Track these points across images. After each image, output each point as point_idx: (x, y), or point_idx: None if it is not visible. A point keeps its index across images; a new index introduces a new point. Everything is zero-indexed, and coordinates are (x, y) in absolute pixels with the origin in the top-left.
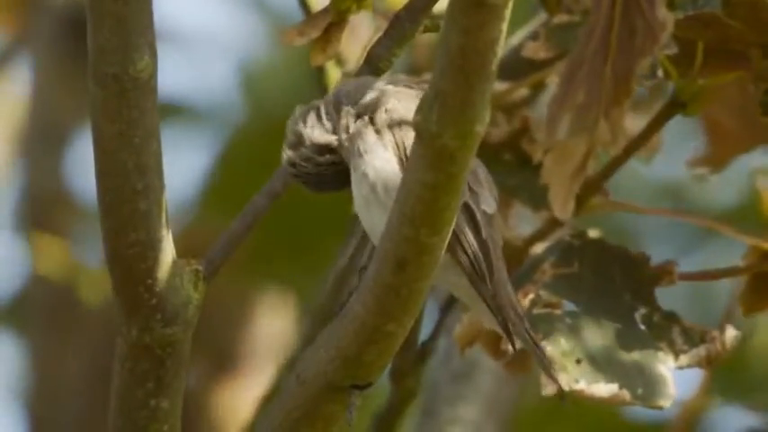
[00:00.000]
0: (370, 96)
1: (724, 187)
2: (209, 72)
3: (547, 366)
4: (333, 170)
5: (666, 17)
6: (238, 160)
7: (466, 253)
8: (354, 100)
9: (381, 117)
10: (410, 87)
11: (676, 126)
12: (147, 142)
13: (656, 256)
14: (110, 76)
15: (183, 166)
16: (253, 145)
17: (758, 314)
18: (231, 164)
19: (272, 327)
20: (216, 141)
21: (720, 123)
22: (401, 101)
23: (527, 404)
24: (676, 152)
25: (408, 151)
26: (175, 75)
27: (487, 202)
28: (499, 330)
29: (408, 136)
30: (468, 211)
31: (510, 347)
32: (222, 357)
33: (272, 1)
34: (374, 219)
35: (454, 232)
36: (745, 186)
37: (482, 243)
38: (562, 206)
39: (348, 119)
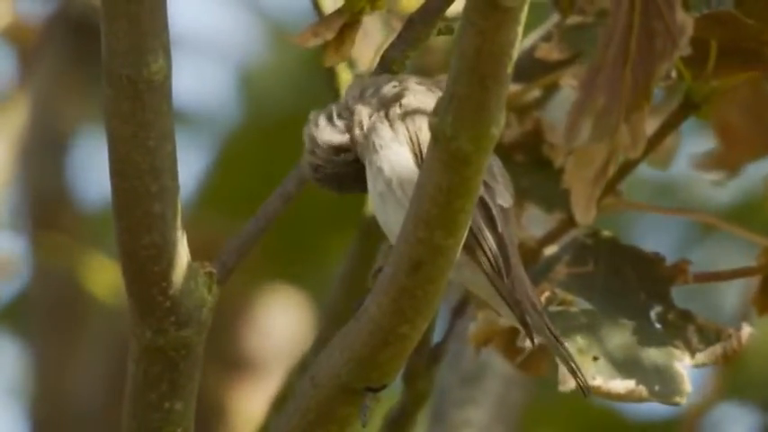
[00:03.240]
0: (386, 91)
1: (731, 188)
2: (207, 75)
3: (569, 360)
4: (353, 168)
5: (685, 20)
6: (236, 163)
7: (483, 250)
8: (369, 95)
9: (396, 111)
10: (427, 86)
11: (683, 126)
12: (161, 144)
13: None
14: (124, 78)
15: (182, 168)
16: (250, 148)
17: None
18: (229, 167)
19: (285, 328)
20: (213, 144)
21: (734, 128)
22: (417, 95)
23: (530, 404)
24: (683, 152)
25: (423, 146)
26: (174, 78)
27: (503, 197)
28: (517, 324)
29: (423, 130)
30: (484, 206)
31: (528, 343)
32: (235, 359)
33: (269, 4)
34: (389, 215)
35: (471, 230)
36: (752, 188)
37: (499, 239)
38: (584, 211)
39: (362, 115)
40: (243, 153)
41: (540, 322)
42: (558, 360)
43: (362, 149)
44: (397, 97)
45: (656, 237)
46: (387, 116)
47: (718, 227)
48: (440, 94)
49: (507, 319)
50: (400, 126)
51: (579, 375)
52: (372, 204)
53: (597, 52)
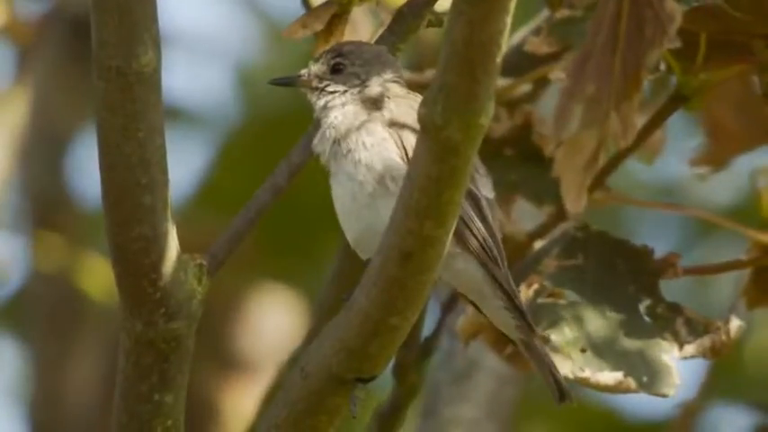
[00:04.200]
0: (375, 91)
1: (723, 186)
2: (205, 73)
3: (551, 367)
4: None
5: (674, 9)
6: (233, 161)
7: (476, 239)
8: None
9: (382, 116)
10: (410, 98)
11: (676, 123)
12: (150, 137)
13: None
14: (113, 70)
15: (179, 165)
16: (248, 145)
17: (761, 308)
18: (226, 164)
19: (277, 325)
20: (211, 142)
21: (722, 122)
22: (403, 102)
23: (526, 403)
24: (676, 150)
25: (408, 151)
26: (171, 76)
27: (486, 188)
28: (504, 323)
29: (408, 137)
30: (472, 197)
31: (521, 336)
32: (227, 356)
33: (267, 2)
34: (380, 210)
35: (462, 220)
36: (745, 185)
37: (489, 228)
38: (575, 199)
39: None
40: (241, 150)
41: (530, 320)
42: (537, 367)
43: (338, 151)
44: (381, 103)
45: (653, 237)
46: (375, 119)
47: (714, 226)
48: (405, 89)
49: (494, 317)
50: (389, 128)
51: (561, 382)
52: (352, 208)
53: (586, 40)
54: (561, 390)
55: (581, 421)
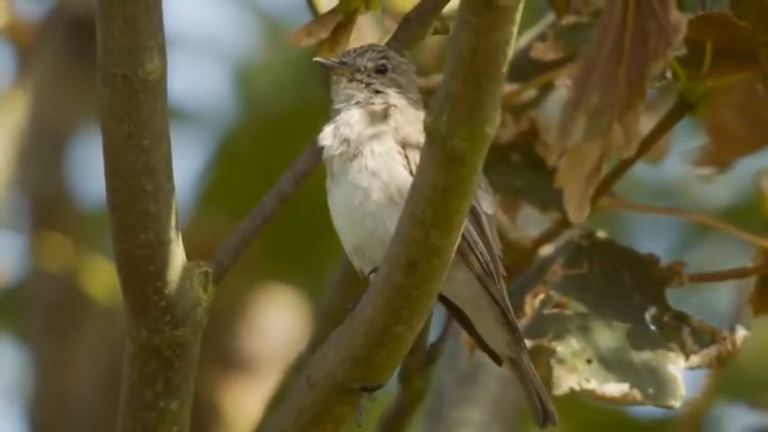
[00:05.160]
0: (382, 100)
1: (724, 187)
2: (204, 74)
3: (538, 391)
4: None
5: (679, 20)
6: (233, 162)
7: (475, 254)
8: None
9: (390, 125)
10: (412, 102)
11: (677, 124)
12: (156, 144)
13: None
14: (119, 78)
15: (178, 166)
16: (247, 146)
17: (767, 315)
18: (226, 166)
19: (281, 328)
20: (210, 143)
21: (724, 124)
22: (408, 114)
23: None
24: (677, 150)
25: (413, 165)
26: (170, 76)
27: (486, 202)
28: (496, 339)
29: (413, 152)
30: (472, 211)
31: (510, 353)
32: (231, 359)
33: (266, 3)
34: (386, 220)
35: (462, 235)
36: (747, 187)
37: (487, 244)
38: (577, 209)
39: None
40: (240, 151)
41: (522, 344)
42: (523, 387)
43: (345, 152)
44: (387, 114)
45: (652, 238)
46: (388, 128)
47: (714, 228)
48: (421, 110)
49: (486, 332)
50: (399, 139)
51: (546, 404)
52: (354, 215)
53: (591, 50)
54: (546, 412)
55: (586, 421)
